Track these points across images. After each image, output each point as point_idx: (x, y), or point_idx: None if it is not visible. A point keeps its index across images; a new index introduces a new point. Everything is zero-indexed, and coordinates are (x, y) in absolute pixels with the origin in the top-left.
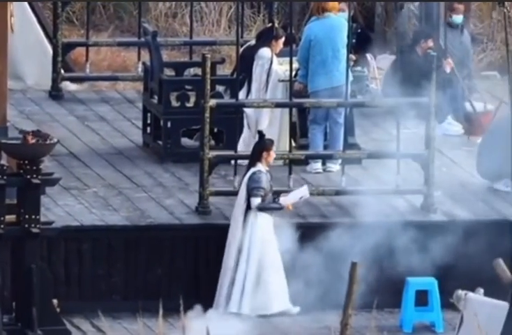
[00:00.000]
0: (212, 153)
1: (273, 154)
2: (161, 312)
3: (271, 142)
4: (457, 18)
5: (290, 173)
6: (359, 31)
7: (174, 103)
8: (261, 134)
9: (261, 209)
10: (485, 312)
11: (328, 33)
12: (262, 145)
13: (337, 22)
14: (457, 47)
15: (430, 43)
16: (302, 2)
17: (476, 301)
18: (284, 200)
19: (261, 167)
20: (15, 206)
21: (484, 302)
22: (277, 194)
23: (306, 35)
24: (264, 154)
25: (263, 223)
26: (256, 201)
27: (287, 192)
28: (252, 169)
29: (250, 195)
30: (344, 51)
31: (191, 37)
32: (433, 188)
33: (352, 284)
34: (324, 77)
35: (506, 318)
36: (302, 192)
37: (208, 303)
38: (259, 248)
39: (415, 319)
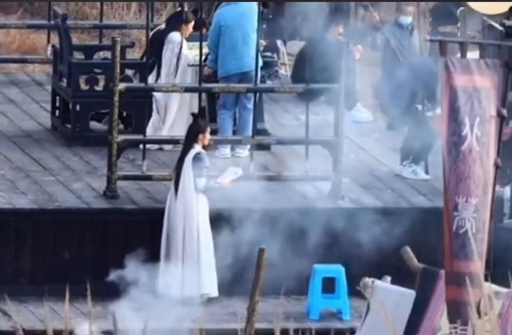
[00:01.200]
0: (120, 137)
1: (208, 136)
2: (67, 296)
3: (206, 123)
4: (405, 19)
5: None
6: (270, 16)
7: (83, 86)
8: (195, 116)
9: (204, 190)
10: (391, 300)
11: (239, 18)
12: (198, 127)
13: (247, 8)
14: (406, 47)
15: (340, 29)
16: None
17: (382, 289)
18: (222, 180)
19: (199, 148)
20: None
21: (391, 290)
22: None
23: (217, 20)
24: (200, 136)
25: (205, 204)
26: (202, 181)
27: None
28: (193, 151)
29: (195, 175)
30: (254, 36)
31: (101, 20)
32: (341, 175)
33: (259, 270)
34: (234, 62)
35: (412, 306)
36: (234, 170)
37: (114, 287)
38: (202, 230)
39: (322, 306)
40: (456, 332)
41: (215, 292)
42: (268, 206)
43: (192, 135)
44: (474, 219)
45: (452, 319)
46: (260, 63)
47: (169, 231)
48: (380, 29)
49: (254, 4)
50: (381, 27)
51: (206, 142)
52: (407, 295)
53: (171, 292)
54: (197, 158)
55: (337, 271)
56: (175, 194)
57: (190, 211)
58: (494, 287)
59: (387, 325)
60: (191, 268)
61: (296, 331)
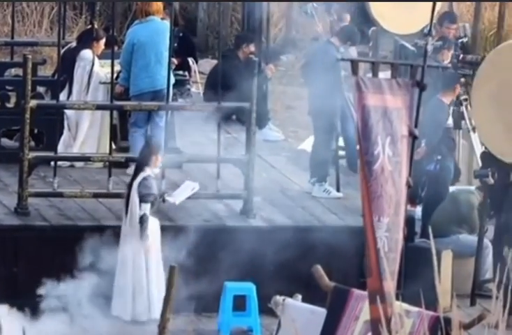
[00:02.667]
0: (32, 154)
1: (160, 158)
2: None
3: (159, 146)
4: None
5: (110, 175)
6: (181, 34)
7: None
8: (148, 138)
9: (143, 221)
10: (302, 318)
11: (152, 37)
12: (151, 149)
13: (161, 26)
14: None
15: (252, 48)
16: (124, 3)
17: (293, 306)
18: (176, 199)
19: (149, 171)
20: None
21: (302, 308)
22: (161, 195)
23: (130, 38)
24: (153, 158)
25: (152, 229)
26: (147, 207)
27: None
28: (142, 175)
29: (140, 200)
30: (166, 54)
31: (12, 37)
32: (253, 193)
33: (170, 288)
34: (147, 80)
35: (323, 324)
36: (190, 185)
37: (25, 304)
38: (144, 256)
39: (232, 323)
40: None
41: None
42: (180, 223)
43: (145, 157)
44: (386, 238)
45: None
46: (172, 81)
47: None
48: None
49: (167, 22)
50: (319, 38)
51: (158, 165)
52: (318, 313)
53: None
54: (143, 183)
55: (248, 288)
56: (125, 217)
57: (136, 236)
58: (405, 305)
59: None
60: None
61: None
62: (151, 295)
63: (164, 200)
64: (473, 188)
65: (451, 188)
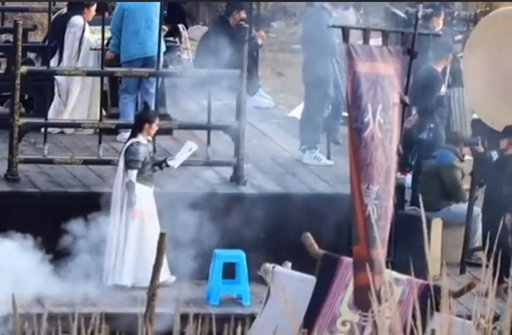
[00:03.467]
0: (22, 120)
1: (155, 127)
2: None
3: (155, 113)
4: None
5: (100, 142)
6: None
7: None
8: (145, 105)
9: (129, 187)
10: (292, 285)
11: (142, 3)
12: (144, 116)
13: None
14: None
15: (243, 14)
16: None
17: (283, 274)
18: (175, 162)
19: (141, 138)
20: None
21: (291, 276)
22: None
23: (120, 4)
24: (146, 126)
25: (141, 196)
26: (133, 173)
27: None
28: (131, 141)
29: (126, 167)
30: (157, 21)
31: (3, 3)
32: (243, 161)
33: (160, 255)
34: (137, 46)
35: (312, 292)
36: (188, 146)
37: None
38: (138, 223)
39: (222, 291)
40: (360, 319)
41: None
42: (171, 190)
43: (138, 123)
44: (376, 206)
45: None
46: (163, 48)
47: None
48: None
49: None
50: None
51: (152, 133)
52: (308, 281)
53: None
54: (129, 149)
55: (238, 256)
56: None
57: (114, 201)
58: (395, 273)
59: (287, 310)
60: (128, 261)
61: (196, 316)
62: (144, 260)
63: (167, 165)
64: (455, 161)
65: (433, 162)
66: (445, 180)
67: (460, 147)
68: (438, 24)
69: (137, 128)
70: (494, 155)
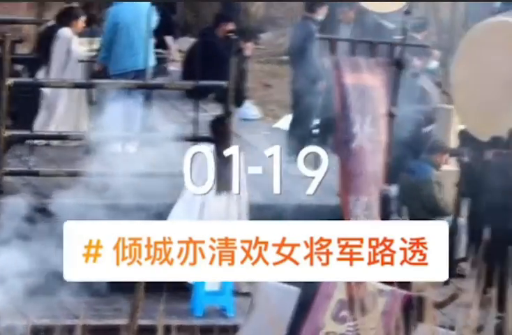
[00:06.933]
0: (8, 133)
1: None
2: None
3: None
4: None
5: (87, 154)
6: (159, 13)
7: None
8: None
9: None
10: (276, 296)
11: (136, 16)
12: None
13: (143, 5)
14: None
15: (231, 26)
16: None
17: (267, 285)
18: None
19: None
20: None
21: (275, 287)
22: None
23: (113, 17)
24: None
25: None
26: None
27: None
28: None
29: None
30: (149, 33)
31: None
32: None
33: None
34: (131, 59)
35: (296, 303)
36: None
37: None
38: None
39: (206, 303)
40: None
41: None
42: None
43: None
44: (366, 217)
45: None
46: (153, 61)
47: None
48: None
49: (146, 2)
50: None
51: None
52: (292, 292)
53: None
54: None
55: None
56: None
57: None
58: (379, 284)
59: (271, 322)
60: None
61: (179, 328)
62: None
63: None
64: (432, 175)
65: (409, 176)
66: (423, 197)
67: (438, 156)
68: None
69: None
70: (480, 165)
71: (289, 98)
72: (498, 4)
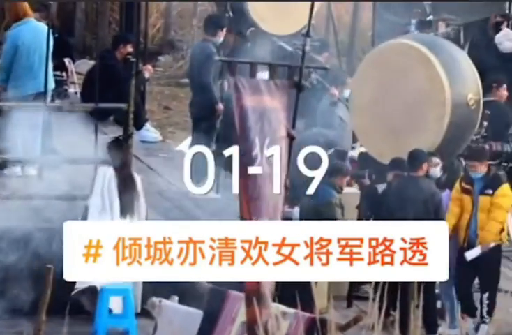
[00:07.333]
0: None
1: None
2: None
3: None
4: None
5: None
6: (56, 35)
7: None
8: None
9: None
10: (179, 319)
11: (36, 38)
12: None
13: (41, 28)
14: None
15: (129, 48)
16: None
17: (170, 308)
18: None
19: None
20: None
21: (178, 310)
22: None
23: (13, 40)
24: None
25: None
26: None
27: None
28: None
29: None
30: (49, 56)
31: None
32: None
33: (46, 289)
34: (31, 82)
35: (199, 326)
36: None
37: None
38: None
39: (109, 325)
40: None
41: None
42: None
43: None
44: None
45: None
46: (52, 85)
47: None
48: None
49: (43, 24)
50: None
51: None
52: (195, 315)
53: None
54: None
55: (125, 290)
56: None
57: None
58: (282, 307)
59: None
60: None
61: None
62: None
63: None
64: (333, 197)
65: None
66: (324, 219)
67: (338, 179)
68: (326, 58)
69: None
70: (381, 188)
71: (189, 120)
72: (413, 25)
